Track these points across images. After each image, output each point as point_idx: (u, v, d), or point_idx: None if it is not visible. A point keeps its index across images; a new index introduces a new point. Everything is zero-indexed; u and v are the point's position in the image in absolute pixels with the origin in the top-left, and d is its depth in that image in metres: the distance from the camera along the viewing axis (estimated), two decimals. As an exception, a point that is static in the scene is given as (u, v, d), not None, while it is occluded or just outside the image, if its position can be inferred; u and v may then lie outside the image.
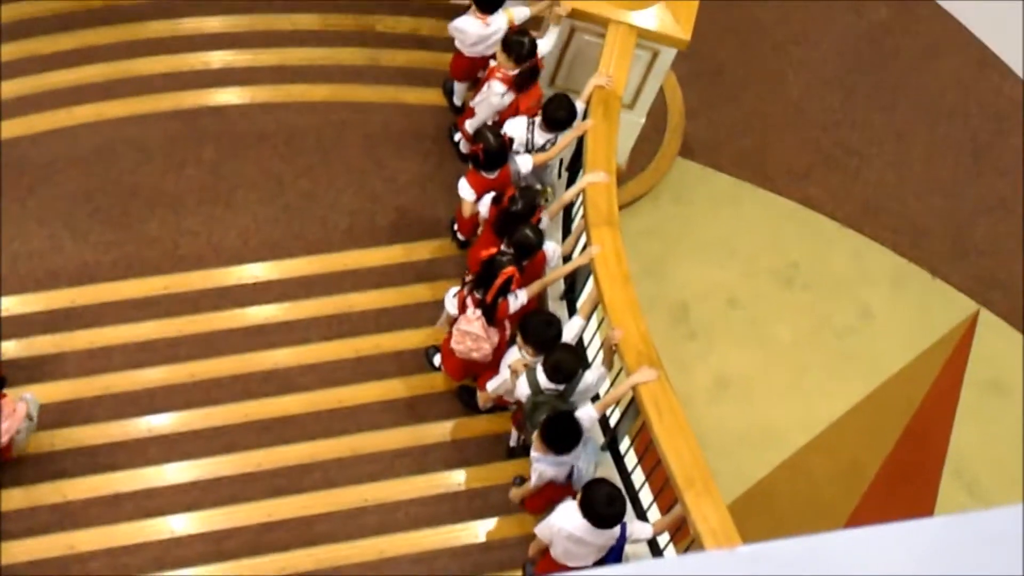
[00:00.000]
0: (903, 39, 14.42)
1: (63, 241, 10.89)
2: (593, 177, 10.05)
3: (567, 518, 8.67)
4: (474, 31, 11.06)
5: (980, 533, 3.25)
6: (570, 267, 10.17)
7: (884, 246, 13.33)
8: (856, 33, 14.36)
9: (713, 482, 8.70)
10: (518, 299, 9.75)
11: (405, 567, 9.86)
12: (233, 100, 11.80)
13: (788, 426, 12.34)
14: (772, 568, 3.19)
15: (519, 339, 9.48)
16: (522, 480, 10.04)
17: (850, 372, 12.67)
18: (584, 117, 10.62)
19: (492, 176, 10.31)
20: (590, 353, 10.23)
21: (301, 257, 11.13)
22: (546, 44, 10.99)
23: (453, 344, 9.90)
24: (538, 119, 10.51)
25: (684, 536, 9.05)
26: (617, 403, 9.56)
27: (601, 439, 9.80)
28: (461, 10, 11.25)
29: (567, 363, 9.19)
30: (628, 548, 8.92)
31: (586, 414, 9.15)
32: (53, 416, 10.06)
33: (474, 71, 11.49)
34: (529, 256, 9.85)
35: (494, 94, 10.82)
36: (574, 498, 8.71)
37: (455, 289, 9.92)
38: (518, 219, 9.81)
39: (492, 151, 10.17)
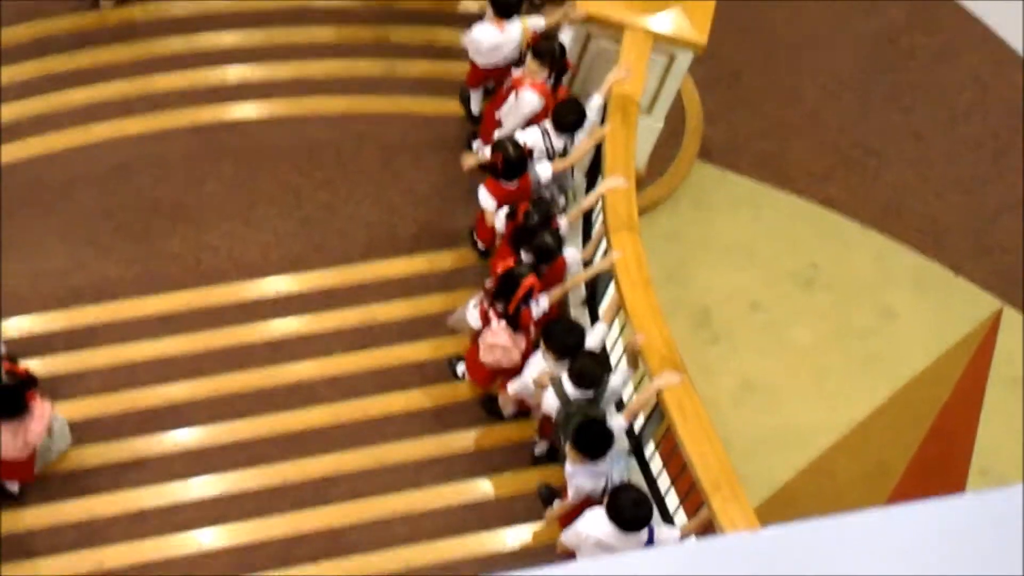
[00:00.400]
0: (920, 37, 14.38)
1: (85, 259, 10.92)
2: (612, 182, 10.04)
3: (595, 524, 8.66)
4: (489, 39, 11.08)
5: (995, 513, 3.26)
6: (591, 272, 10.16)
7: (905, 246, 13.28)
8: (872, 32, 14.32)
9: (740, 486, 8.67)
10: (540, 305, 9.76)
11: (433, 577, 9.88)
12: (251, 115, 11.83)
13: (813, 428, 12.30)
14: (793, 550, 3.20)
15: (542, 345, 9.48)
16: (548, 489, 10.04)
17: (874, 373, 12.62)
18: (604, 111, 10.62)
19: (512, 185, 10.31)
20: (613, 358, 10.21)
21: (322, 270, 11.15)
22: (565, 40, 11.02)
23: (482, 357, 9.93)
24: (549, 124, 10.53)
25: (711, 540, 9.02)
26: (635, 417, 9.53)
27: (626, 445, 9.78)
28: (475, 19, 11.27)
29: (591, 369, 9.18)
30: (655, 553, 8.88)
31: (615, 423, 9.14)
32: (78, 433, 10.09)
33: (488, 80, 11.52)
34: (549, 262, 9.85)
35: (526, 103, 10.81)
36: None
37: (475, 301, 9.91)
38: (535, 231, 9.81)
39: (512, 161, 10.18)
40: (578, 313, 10.66)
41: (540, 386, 9.45)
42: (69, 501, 9.88)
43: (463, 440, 10.45)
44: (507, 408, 10.38)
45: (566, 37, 11.05)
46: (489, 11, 11.10)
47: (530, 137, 10.56)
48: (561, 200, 10.77)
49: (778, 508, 11.80)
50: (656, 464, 9.83)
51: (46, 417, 9.32)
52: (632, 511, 8.50)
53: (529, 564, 9.74)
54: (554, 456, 10.22)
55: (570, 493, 9.24)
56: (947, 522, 3.32)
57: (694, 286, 12.82)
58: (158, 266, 10.99)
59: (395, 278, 11.18)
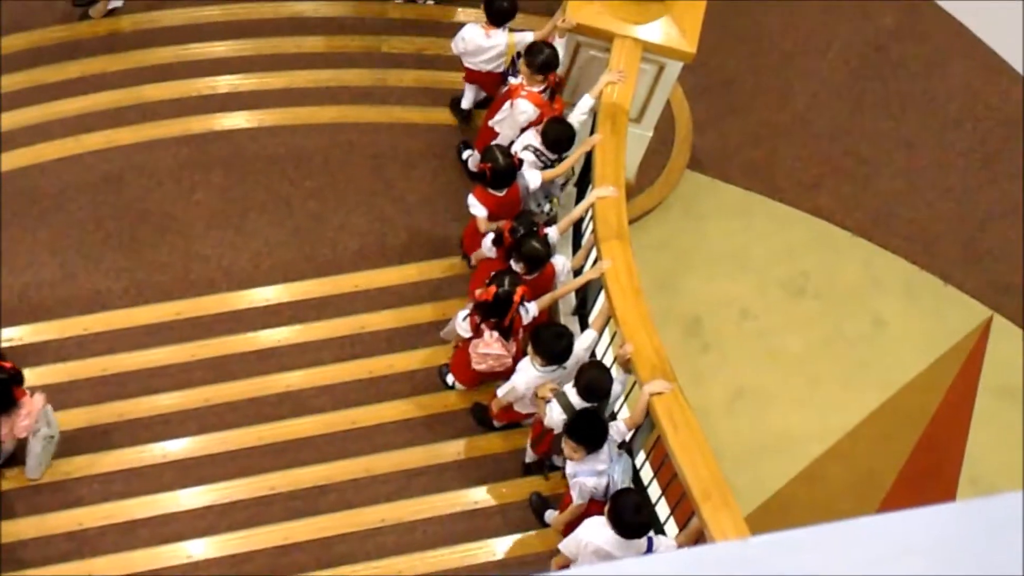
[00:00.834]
0: (910, 46, 14.40)
1: (75, 269, 10.91)
2: (602, 192, 10.04)
3: (595, 532, 8.67)
4: (474, 40, 11.16)
5: (987, 520, 3.27)
6: (581, 280, 10.17)
7: (895, 254, 13.30)
8: (863, 41, 14.34)
9: (730, 495, 8.67)
10: (529, 312, 9.77)
11: (424, 586, 9.87)
12: (241, 124, 11.83)
13: (804, 436, 12.31)
14: (784, 556, 3.20)
15: (530, 349, 9.50)
16: (539, 498, 10.04)
17: (864, 381, 12.65)
18: (594, 115, 10.65)
19: (501, 193, 10.32)
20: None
21: (312, 279, 11.15)
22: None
23: (474, 365, 9.96)
24: (535, 139, 10.56)
25: (702, 549, 9.03)
26: (638, 427, 9.53)
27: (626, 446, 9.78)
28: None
29: (600, 381, 9.20)
30: (651, 563, 8.89)
31: (615, 429, 9.16)
32: (68, 444, 10.08)
33: (479, 82, 11.54)
34: (538, 269, 9.86)
35: (520, 112, 10.85)
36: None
37: (465, 312, 9.91)
38: (523, 239, 9.83)
39: (500, 170, 10.18)
40: (568, 322, 10.66)
41: (543, 399, 9.46)
42: (60, 512, 9.86)
43: (453, 450, 10.45)
44: (498, 416, 10.37)
45: (560, 50, 11.07)
46: (483, 16, 11.17)
47: (526, 140, 10.61)
48: (546, 206, 10.75)
49: (769, 516, 11.81)
50: (647, 473, 9.82)
51: (34, 413, 9.33)
52: (633, 516, 8.51)
53: (522, 573, 9.81)
54: (542, 466, 10.22)
55: (574, 496, 9.23)
56: (938, 530, 3.33)
57: (685, 295, 12.84)
58: (148, 276, 10.98)
59: (385, 287, 11.18)
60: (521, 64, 10.86)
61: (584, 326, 10.42)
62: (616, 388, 9.39)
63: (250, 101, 11.95)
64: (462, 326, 9.87)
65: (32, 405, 9.32)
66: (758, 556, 3.28)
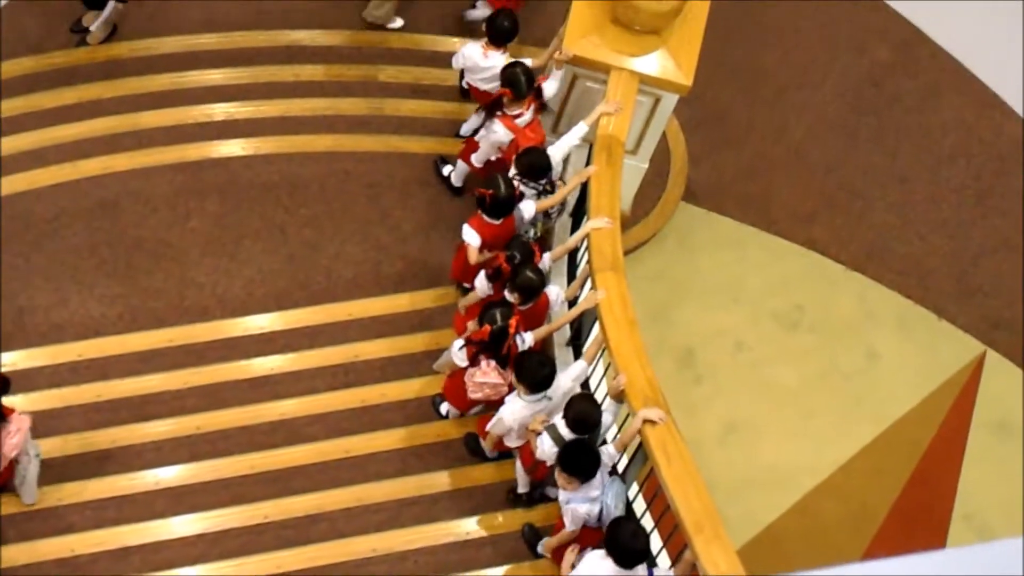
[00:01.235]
0: (904, 80, 14.44)
1: (68, 295, 10.90)
2: (597, 223, 10.05)
3: (595, 565, 8.67)
4: (472, 58, 11.26)
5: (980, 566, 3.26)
6: (576, 312, 10.16)
7: (889, 288, 13.31)
8: (857, 75, 14.38)
9: (723, 527, 8.66)
10: (525, 342, 9.77)
11: (414, 616, 9.86)
12: (237, 152, 11.84)
13: (796, 469, 12.30)
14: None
15: (514, 377, 9.50)
16: (531, 529, 10.02)
17: (857, 415, 12.64)
18: (590, 146, 10.68)
19: (498, 222, 10.32)
20: (598, 396, 10.20)
21: (306, 307, 11.15)
22: (551, 87, 11.08)
23: (471, 394, 9.95)
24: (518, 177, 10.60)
25: (695, 582, 9.02)
26: (625, 448, 9.54)
27: (618, 469, 9.76)
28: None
29: (589, 413, 9.21)
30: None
31: (605, 454, 9.17)
32: (60, 470, 10.06)
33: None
34: (533, 299, 9.87)
35: (492, 133, 10.97)
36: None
37: (460, 342, 9.89)
38: (518, 270, 9.83)
39: (500, 200, 10.18)
40: (562, 352, 10.66)
41: (533, 432, 9.46)
42: (51, 538, 9.84)
43: (446, 479, 10.43)
44: (491, 452, 10.37)
45: (553, 84, 11.10)
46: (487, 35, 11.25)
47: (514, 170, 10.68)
48: (531, 231, 10.73)
49: (762, 549, 11.80)
50: (639, 505, 9.81)
51: (24, 431, 9.30)
52: (631, 542, 8.53)
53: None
54: (532, 498, 10.22)
55: (567, 522, 9.23)
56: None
57: (679, 326, 12.84)
58: (142, 302, 10.98)
59: (379, 316, 11.19)
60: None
61: (578, 356, 10.42)
62: (607, 418, 9.40)
63: (246, 129, 11.97)
64: (459, 355, 9.85)
65: (21, 423, 9.29)
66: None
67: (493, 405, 10.01)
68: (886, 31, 14.66)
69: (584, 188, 10.64)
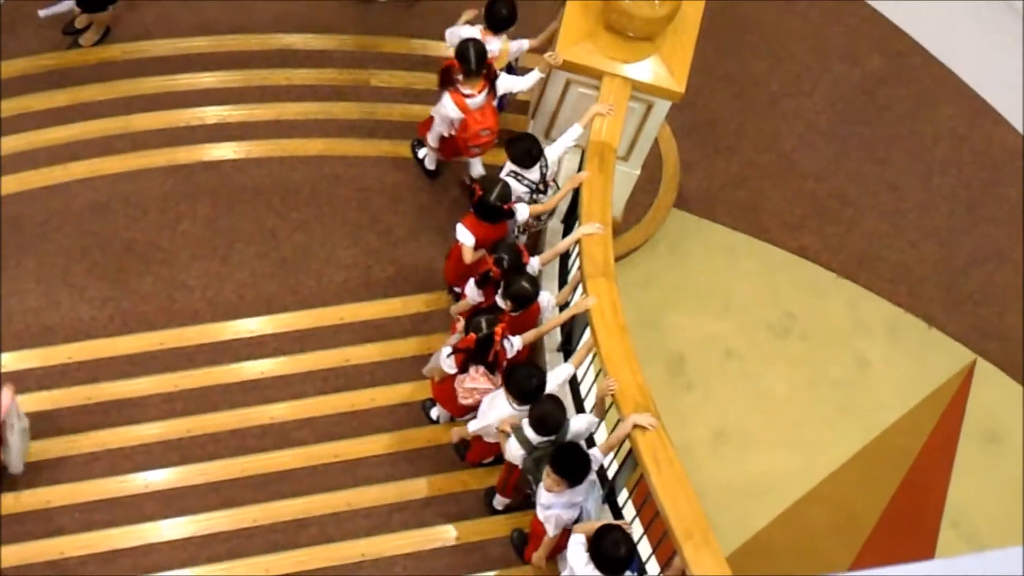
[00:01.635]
0: (896, 89, 14.46)
1: (59, 297, 10.88)
2: (588, 228, 10.06)
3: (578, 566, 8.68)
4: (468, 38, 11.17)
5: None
6: (565, 316, 10.16)
7: (880, 296, 13.33)
8: (849, 83, 14.40)
9: (712, 534, 8.66)
10: (514, 346, 9.76)
11: (403, 622, 9.85)
12: (228, 155, 11.82)
13: (786, 477, 12.31)
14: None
15: (503, 386, 9.50)
16: (521, 535, 10.02)
17: (847, 423, 12.65)
18: (582, 152, 10.68)
19: (493, 225, 10.32)
20: (588, 403, 10.20)
21: (297, 311, 11.14)
22: (521, 82, 11.16)
23: (461, 400, 9.92)
24: (513, 166, 10.59)
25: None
26: (615, 454, 9.53)
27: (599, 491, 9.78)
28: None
29: (551, 414, 9.19)
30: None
31: (592, 456, 9.15)
32: (50, 472, 10.06)
33: None
34: (525, 307, 9.86)
35: (441, 107, 11.02)
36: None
37: (448, 349, 9.87)
38: (510, 278, 9.82)
39: (488, 204, 10.17)
40: (553, 358, 10.66)
41: (503, 432, 9.46)
42: (40, 540, 9.82)
43: (435, 484, 10.43)
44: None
45: (526, 81, 11.14)
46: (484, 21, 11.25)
47: (507, 168, 10.68)
48: (521, 237, 10.74)
49: (751, 557, 11.81)
50: (629, 511, 9.80)
51: (6, 407, 9.27)
52: (613, 550, 8.51)
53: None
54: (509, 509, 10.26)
55: (549, 529, 9.23)
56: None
57: (669, 333, 12.85)
58: (133, 305, 10.97)
59: (370, 320, 11.18)
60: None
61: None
62: (580, 427, 9.39)
63: (238, 132, 11.95)
64: (447, 363, 9.84)
65: (3, 398, 9.26)
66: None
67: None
68: (878, 40, 14.69)
69: (576, 194, 10.64)
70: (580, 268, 10.04)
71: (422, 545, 10.15)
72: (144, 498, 10.13)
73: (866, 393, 12.82)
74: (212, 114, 12.00)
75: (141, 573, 9.79)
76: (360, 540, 10.13)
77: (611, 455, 9.58)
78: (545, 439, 9.21)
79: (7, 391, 9.36)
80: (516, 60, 11.54)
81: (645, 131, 11.68)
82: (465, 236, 10.37)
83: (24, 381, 10.39)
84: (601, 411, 9.56)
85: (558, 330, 10.56)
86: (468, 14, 11.38)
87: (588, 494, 9.20)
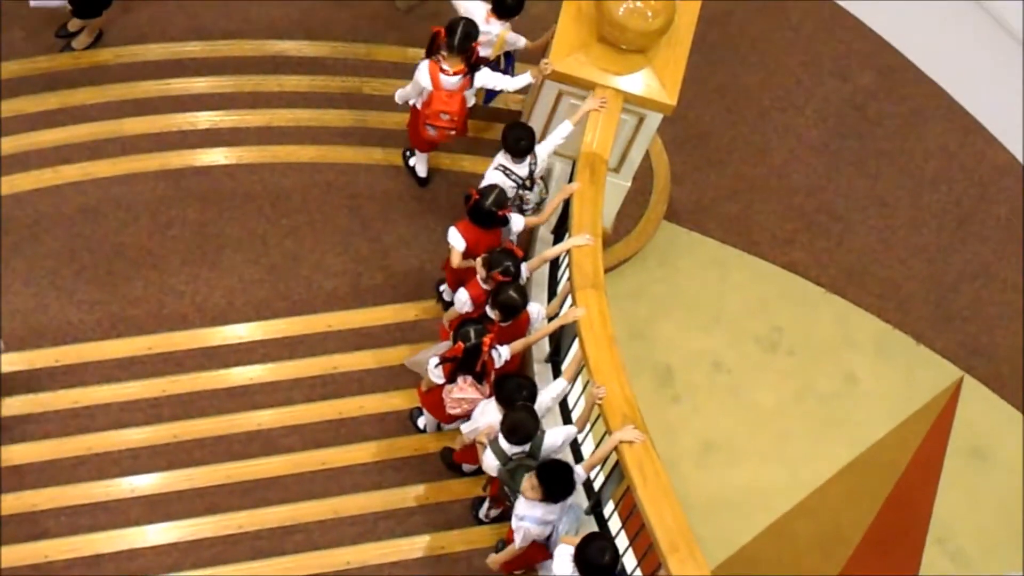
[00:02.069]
0: (887, 105, 14.48)
1: (47, 300, 10.87)
2: (578, 240, 10.06)
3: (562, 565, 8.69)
4: (473, 15, 11.16)
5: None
6: (553, 326, 10.15)
7: (868, 311, 13.34)
8: (841, 99, 14.42)
9: (697, 547, 8.67)
10: (502, 356, 9.75)
11: (387, 630, 9.85)
12: (219, 160, 11.82)
13: (772, 491, 12.31)
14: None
15: (494, 396, 9.50)
16: (505, 544, 10.01)
17: (834, 437, 12.66)
18: (573, 163, 10.71)
19: (486, 231, 10.33)
20: (575, 413, 10.20)
21: (286, 318, 11.15)
22: (504, 81, 11.21)
23: (449, 410, 9.91)
24: (504, 158, 10.61)
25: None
26: (602, 466, 9.53)
27: (585, 503, 9.77)
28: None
29: (524, 423, 9.20)
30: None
31: (575, 474, 9.14)
32: (35, 476, 10.05)
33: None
34: (513, 317, 9.86)
35: (419, 69, 11.02)
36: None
37: (436, 360, 9.86)
38: (499, 289, 9.82)
39: (483, 208, 10.17)
40: (541, 369, 10.65)
41: (480, 444, 9.47)
42: (25, 543, 9.83)
43: (422, 493, 10.44)
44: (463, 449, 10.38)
45: (516, 81, 11.19)
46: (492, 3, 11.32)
47: (494, 180, 10.68)
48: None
49: (736, 570, 11.81)
50: (615, 523, 9.80)
51: None
52: (598, 557, 8.51)
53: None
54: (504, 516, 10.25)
55: (516, 539, 9.23)
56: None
57: (658, 345, 12.84)
58: (121, 309, 10.97)
59: (359, 328, 11.19)
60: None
61: (557, 373, 10.42)
62: (556, 439, 9.39)
63: (229, 138, 11.96)
64: (435, 373, 9.82)
65: None
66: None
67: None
68: (870, 56, 14.71)
69: (566, 204, 10.65)
70: (569, 279, 10.04)
71: (408, 554, 10.16)
72: (130, 503, 10.13)
73: (853, 408, 12.83)
74: (204, 119, 12.01)
75: (126, 578, 9.81)
76: (346, 548, 10.14)
77: (597, 467, 9.57)
78: (519, 450, 9.21)
79: None
80: (511, 55, 11.63)
81: (636, 143, 11.69)
82: (456, 240, 10.38)
83: (11, 384, 10.40)
84: (585, 421, 9.56)
85: (546, 341, 10.56)
86: None
87: (562, 516, 9.19)
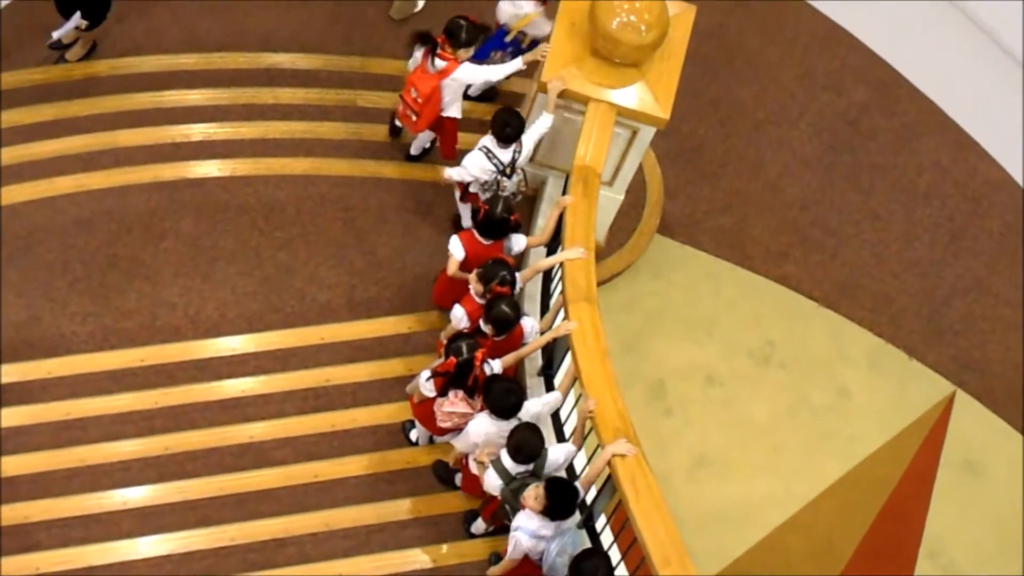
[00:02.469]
0: (881, 120, 14.51)
1: (40, 312, 10.87)
2: (572, 253, 10.06)
3: None
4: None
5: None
6: (545, 339, 10.15)
7: (861, 326, 13.35)
8: (834, 113, 14.44)
9: (690, 561, 8.67)
10: (493, 369, 9.75)
11: (379, 644, 9.84)
12: (213, 172, 11.83)
13: (764, 505, 12.31)
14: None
15: (482, 401, 9.50)
16: (498, 557, 10.00)
17: (827, 451, 12.66)
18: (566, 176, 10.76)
19: (487, 243, 10.33)
20: (568, 427, 10.20)
21: (279, 330, 11.14)
22: (497, 71, 11.37)
23: (440, 423, 9.92)
24: (490, 141, 10.65)
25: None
26: (591, 485, 9.52)
27: (577, 517, 9.76)
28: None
29: (529, 442, 9.20)
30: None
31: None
32: (27, 488, 10.03)
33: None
34: (506, 331, 9.86)
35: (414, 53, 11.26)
36: None
37: (427, 373, 9.85)
38: (493, 302, 9.83)
39: (494, 219, 10.19)
40: (534, 383, 10.65)
41: (480, 464, 9.46)
42: (17, 555, 9.80)
43: (414, 506, 10.43)
44: (456, 464, 10.37)
45: (504, 70, 11.33)
46: None
47: (475, 163, 10.81)
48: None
49: (728, 584, 11.82)
50: (607, 537, 9.80)
51: None
52: (591, 573, 8.57)
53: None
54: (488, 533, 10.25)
55: (509, 549, 9.24)
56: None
57: (650, 358, 12.84)
58: (114, 321, 10.96)
59: (352, 340, 11.19)
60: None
61: (549, 387, 10.43)
62: (558, 456, 9.39)
63: (223, 150, 11.97)
64: (426, 386, 9.83)
65: None
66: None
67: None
68: (864, 71, 14.74)
69: (560, 217, 10.65)
70: (562, 292, 10.04)
71: (400, 567, 10.14)
72: (122, 515, 10.12)
73: (846, 422, 12.83)
74: (198, 131, 12.01)
75: (117, 590, 9.79)
76: (338, 561, 10.12)
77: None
78: (523, 468, 9.21)
79: None
80: (521, 46, 11.90)
81: (630, 157, 11.70)
82: (456, 248, 10.39)
83: (3, 395, 10.39)
84: (580, 437, 9.56)
85: (539, 355, 10.57)
86: None
87: (556, 535, 9.16)
